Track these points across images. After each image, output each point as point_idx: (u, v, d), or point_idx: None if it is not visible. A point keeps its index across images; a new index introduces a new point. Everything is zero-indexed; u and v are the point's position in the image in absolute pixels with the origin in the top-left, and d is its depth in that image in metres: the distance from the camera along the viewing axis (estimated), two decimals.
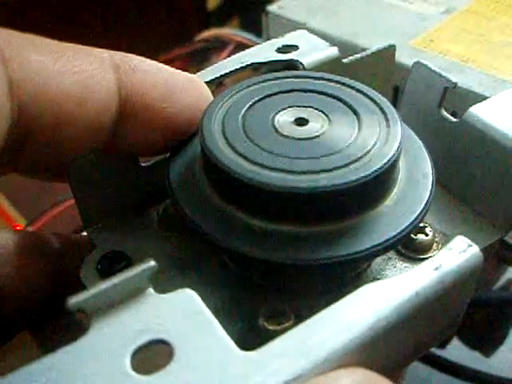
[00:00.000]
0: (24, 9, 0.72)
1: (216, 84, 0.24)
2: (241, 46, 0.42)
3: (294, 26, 0.38)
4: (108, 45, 0.21)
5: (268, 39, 0.28)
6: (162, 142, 0.20)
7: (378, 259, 0.20)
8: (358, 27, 0.37)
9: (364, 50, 0.26)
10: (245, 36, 0.44)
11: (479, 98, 0.22)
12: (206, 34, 0.47)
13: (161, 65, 0.20)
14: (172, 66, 0.21)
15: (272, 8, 0.40)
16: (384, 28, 0.37)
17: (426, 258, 0.20)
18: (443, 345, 0.38)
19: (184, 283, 0.20)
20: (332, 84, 0.20)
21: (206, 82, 0.24)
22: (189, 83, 0.20)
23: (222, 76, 0.24)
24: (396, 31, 0.37)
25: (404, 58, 0.32)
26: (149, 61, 0.20)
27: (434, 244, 0.21)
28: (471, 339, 0.39)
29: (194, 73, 0.25)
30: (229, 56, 0.27)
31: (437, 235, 0.21)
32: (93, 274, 0.20)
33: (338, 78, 0.21)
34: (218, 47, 0.45)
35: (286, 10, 0.39)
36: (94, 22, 0.67)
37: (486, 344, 0.39)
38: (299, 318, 0.17)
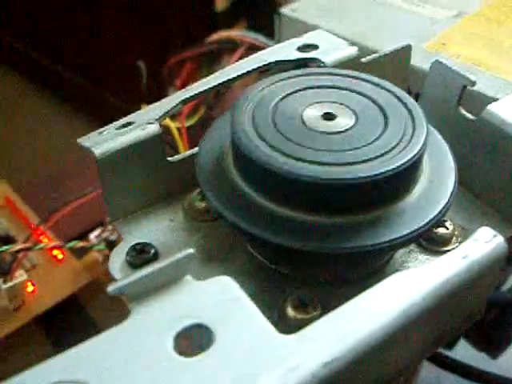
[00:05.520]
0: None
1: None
2: (252, 48, 0.43)
3: (307, 28, 0.38)
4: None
5: (279, 41, 0.28)
6: None
7: (401, 251, 0.21)
8: (369, 30, 0.38)
9: (375, 52, 0.26)
10: (256, 38, 0.44)
11: (491, 101, 0.23)
12: (217, 35, 0.47)
13: None
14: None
15: (285, 10, 0.41)
16: (396, 31, 0.38)
17: (446, 251, 0.20)
18: (451, 345, 0.38)
19: (211, 274, 0.20)
20: (359, 82, 0.21)
21: (228, 80, 0.24)
22: None
23: (244, 74, 0.24)
24: (408, 34, 0.37)
25: (417, 60, 0.33)
26: None
27: (454, 237, 0.21)
28: (479, 340, 0.39)
29: (205, 74, 0.25)
30: (240, 58, 0.27)
31: (456, 229, 0.21)
32: (121, 265, 0.20)
33: (364, 75, 0.21)
34: (229, 49, 0.45)
35: (299, 12, 0.40)
36: (101, 23, 0.68)
37: (494, 345, 0.39)
38: (325, 308, 0.18)
